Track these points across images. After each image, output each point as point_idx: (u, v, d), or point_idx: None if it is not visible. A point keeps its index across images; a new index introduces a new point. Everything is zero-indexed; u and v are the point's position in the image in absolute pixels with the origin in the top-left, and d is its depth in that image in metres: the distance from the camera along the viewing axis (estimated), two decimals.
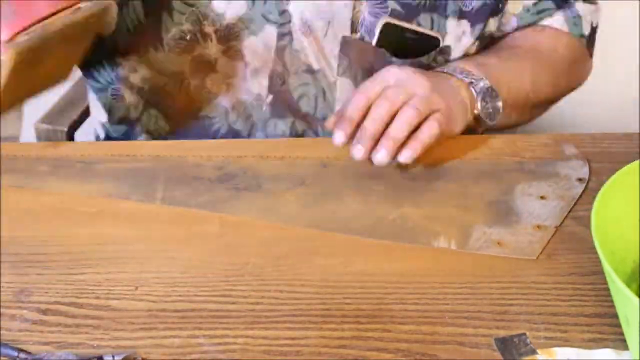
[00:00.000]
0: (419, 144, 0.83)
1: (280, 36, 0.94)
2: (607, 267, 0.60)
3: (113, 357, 0.64)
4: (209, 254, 0.76)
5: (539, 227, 0.79)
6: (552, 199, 0.83)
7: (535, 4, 1.01)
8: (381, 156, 0.82)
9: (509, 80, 0.95)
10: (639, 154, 0.89)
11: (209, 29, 0.93)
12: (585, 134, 0.92)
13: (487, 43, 1.02)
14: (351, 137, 0.83)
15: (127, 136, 1.02)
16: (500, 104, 0.93)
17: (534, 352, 0.66)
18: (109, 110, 1.02)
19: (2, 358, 0.65)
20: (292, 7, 0.93)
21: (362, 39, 0.94)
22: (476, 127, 0.93)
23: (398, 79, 0.86)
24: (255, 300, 0.71)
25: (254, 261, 0.75)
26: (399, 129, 0.82)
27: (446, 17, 0.95)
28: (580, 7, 1.03)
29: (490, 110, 0.92)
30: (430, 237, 0.78)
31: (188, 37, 0.93)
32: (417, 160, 0.86)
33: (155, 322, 0.69)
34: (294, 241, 0.78)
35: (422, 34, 0.95)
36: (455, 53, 0.97)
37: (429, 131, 0.84)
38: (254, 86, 0.97)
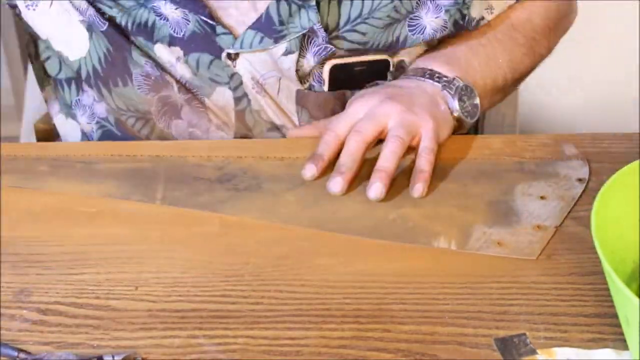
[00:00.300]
0: (425, 174, 0.83)
1: (237, 100, 0.92)
2: (607, 267, 0.60)
3: (113, 357, 0.64)
4: (209, 254, 0.76)
5: (539, 227, 0.79)
6: (552, 199, 0.83)
7: None
8: (376, 188, 0.80)
9: (482, 69, 0.93)
10: (639, 154, 0.89)
11: (169, 79, 0.92)
12: (585, 134, 0.92)
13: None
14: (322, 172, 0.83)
15: None
16: (477, 100, 0.91)
17: (534, 352, 0.66)
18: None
19: (2, 358, 0.65)
20: (239, 69, 0.91)
21: (310, 88, 0.93)
22: (459, 128, 0.91)
23: (367, 111, 0.85)
24: (255, 300, 0.71)
25: (254, 261, 0.75)
26: (388, 161, 0.82)
27: (398, 51, 0.94)
28: None
29: (469, 108, 0.90)
30: (430, 237, 0.78)
31: (152, 78, 0.92)
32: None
33: (155, 322, 0.69)
34: (294, 241, 0.78)
35: (369, 62, 0.93)
36: (407, 61, 0.96)
37: (427, 160, 0.84)
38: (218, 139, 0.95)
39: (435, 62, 0.92)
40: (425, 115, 0.86)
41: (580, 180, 0.85)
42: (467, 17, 0.94)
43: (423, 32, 0.92)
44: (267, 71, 0.91)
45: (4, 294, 0.71)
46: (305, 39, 0.89)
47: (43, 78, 1.00)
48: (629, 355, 0.65)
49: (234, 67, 0.91)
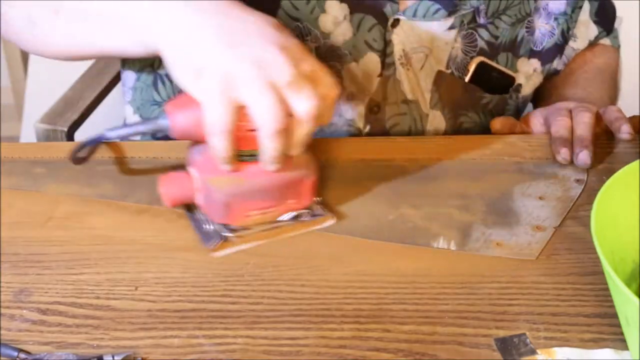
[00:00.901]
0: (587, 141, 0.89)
1: (386, 66, 0.95)
2: (607, 267, 0.60)
3: (113, 357, 0.64)
4: (209, 254, 0.76)
5: (538, 227, 0.79)
6: (550, 199, 0.83)
7: (596, 37, 1.10)
8: (584, 155, 0.86)
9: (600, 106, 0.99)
10: (639, 154, 0.89)
11: (310, 45, 0.93)
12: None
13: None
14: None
15: None
16: None
17: (533, 352, 0.66)
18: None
19: (2, 358, 0.65)
20: (394, 37, 0.94)
21: (452, 74, 0.98)
22: None
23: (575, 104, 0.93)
24: (255, 300, 0.71)
25: (254, 261, 0.75)
26: (585, 130, 0.89)
27: (519, 57, 1.01)
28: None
29: None
30: (429, 238, 0.78)
31: None
32: (416, 161, 0.87)
33: (155, 322, 0.69)
34: (294, 241, 0.78)
35: (504, 73, 1.01)
36: (526, 90, 1.04)
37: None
38: (347, 111, 0.97)
39: (569, 104, 0.97)
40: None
41: (578, 181, 0.85)
42: (570, 32, 1.05)
43: (533, 34, 1.01)
44: (418, 45, 0.95)
45: (4, 294, 0.71)
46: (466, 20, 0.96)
47: None
48: (629, 355, 0.65)
49: (392, 34, 0.94)
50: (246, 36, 0.70)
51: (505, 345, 0.66)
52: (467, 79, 0.99)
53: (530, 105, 1.11)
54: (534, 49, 1.03)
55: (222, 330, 0.68)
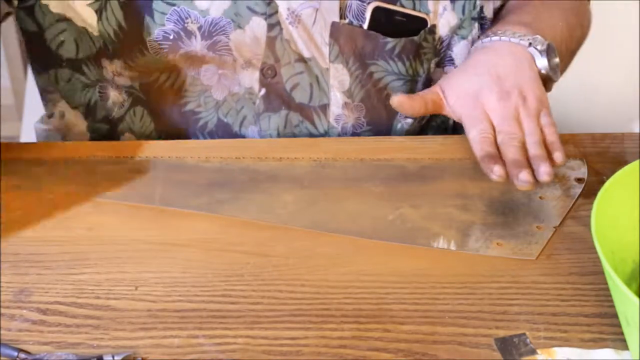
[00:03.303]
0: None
1: (270, 27, 0.93)
2: (607, 267, 0.60)
3: (113, 357, 0.64)
4: (209, 254, 0.76)
5: (538, 227, 0.79)
6: (551, 199, 0.83)
7: None
8: (524, 175, 0.80)
9: (550, 34, 0.94)
10: (639, 154, 0.89)
11: (192, 27, 0.92)
12: (585, 134, 0.92)
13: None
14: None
15: (109, 137, 1.01)
16: (557, 59, 0.92)
17: (534, 352, 0.66)
18: (89, 110, 1.00)
19: (2, 358, 0.65)
20: None
21: (350, 23, 0.95)
22: (545, 89, 0.92)
23: (500, 116, 0.86)
24: (255, 300, 0.71)
25: (254, 261, 0.75)
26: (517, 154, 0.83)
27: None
28: None
29: (554, 66, 0.92)
30: (429, 238, 0.78)
31: (171, 37, 0.93)
32: (416, 161, 0.87)
33: (155, 322, 0.69)
34: (294, 241, 0.78)
35: (410, 15, 0.96)
36: (442, 31, 0.98)
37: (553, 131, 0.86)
38: (245, 79, 0.97)
39: (510, 26, 0.93)
40: (535, 96, 0.87)
41: (579, 180, 0.85)
42: None
43: None
44: (305, 1, 0.93)
45: (4, 294, 0.71)
46: None
47: (51, 75, 1.00)
48: (629, 355, 0.65)
49: None
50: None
51: (505, 345, 0.66)
52: (365, 25, 0.95)
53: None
54: None
55: (222, 330, 0.68)
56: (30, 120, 1.16)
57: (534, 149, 0.82)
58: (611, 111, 1.61)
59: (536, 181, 0.80)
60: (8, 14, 0.93)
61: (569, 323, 0.68)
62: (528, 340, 0.67)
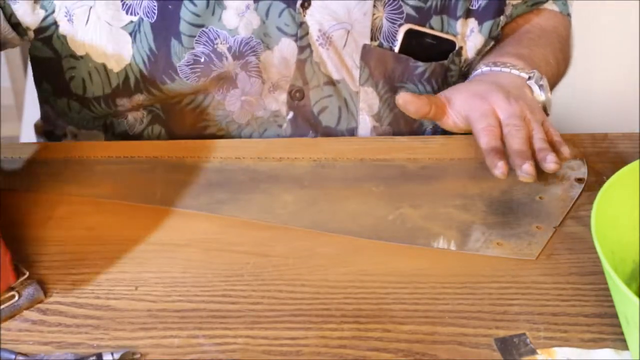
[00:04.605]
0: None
1: (300, 50, 0.92)
2: (607, 267, 0.60)
3: (112, 354, 0.64)
4: (209, 254, 0.76)
5: (538, 227, 0.79)
6: (550, 199, 0.83)
7: None
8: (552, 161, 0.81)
9: (544, 70, 0.95)
10: (639, 154, 0.89)
11: (222, 48, 0.91)
12: (585, 134, 0.92)
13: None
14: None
15: None
16: (550, 95, 0.93)
17: (534, 352, 0.66)
18: (107, 127, 0.99)
19: None
20: (308, 19, 0.92)
21: (380, 45, 0.95)
22: None
23: (507, 113, 0.86)
24: (255, 300, 0.71)
25: (254, 261, 0.75)
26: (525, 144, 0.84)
27: (457, 18, 0.96)
28: None
29: (548, 100, 0.92)
30: (429, 238, 0.78)
31: (202, 60, 0.91)
32: (416, 160, 0.87)
33: (155, 322, 0.69)
34: (294, 241, 0.78)
35: (439, 38, 0.96)
36: (468, 53, 0.99)
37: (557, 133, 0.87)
38: (271, 103, 0.96)
39: (509, 58, 0.95)
40: (539, 112, 0.89)
41: (579, 180, 0.85)
42: None
43: None
44: (336, 22, 0.92)
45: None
46: None
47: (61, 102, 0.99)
48: (629, 355, 0.65)
49: (304, 16, 0.91)
50: None
51: (505, 345, 0.66)
52: (396, 49, 0.95)
53: None
54: (471, 7, 0.97)
55: (222, 330, 0.68)
56: (30, 120, 1.16)
57: (540, 144, 0.83)
58: (611, 111, 1.62)
59: (538, 174, 0.80)
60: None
61: (569, 323, 0.68)
62: (528, 340, 0.67)
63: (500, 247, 0.77)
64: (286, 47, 0.92)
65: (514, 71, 0.92)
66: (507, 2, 0.99)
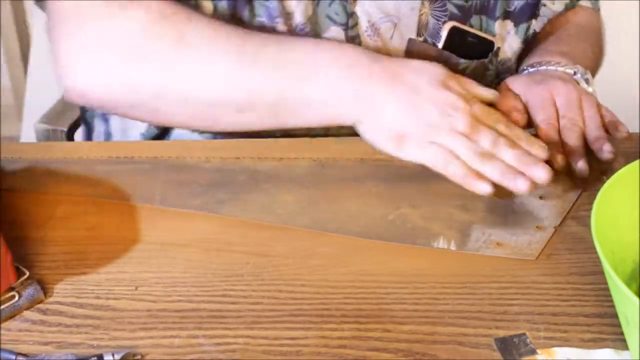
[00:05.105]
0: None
1: (350, 40, 0.93)
2: (607, 267, 0.60)
3: (113, 355, 0.64)
4: (209, 254, 0.76)
5: (538, 227, 0.79)
6: (551, 199, 0.83)
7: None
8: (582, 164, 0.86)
9: (584, 64, 0.98)
10: (639, 154, 0.89)
11: (282, 27, 0.91)
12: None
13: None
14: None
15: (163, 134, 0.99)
16: (594, 88, 0.96)
17: (534, 352, 0.66)
18: None
19: None
20: (358, 9, 0.93)
21: (425, 41, 0.96)
22: None
23: (565, 100, 0.90)
24: (255, 300, 0.71)
25: (254, 261, 0.75)
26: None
27: (495, 18, 0.98)
28: None
29: (594, 93, 0.95)
30: (429, 238, 0.78)
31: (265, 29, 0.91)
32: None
33: (155, 322, 0.69)
34: (294, 241, 0.78)
35: (481, 37, 0.98)
36: (505, 53, 1.01)
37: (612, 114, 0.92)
38: None
39: (552, 56, 0.98)
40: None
41: (579, 180, 0.85)
42: None
43: None
44: (384, 15, 0.94)
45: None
46: None
47: None
48: (629, 355, 0.65)
49: (355, 6, 0.93)
50: (420, 94, 0.82)
51: (505, 345, 0.66)
52: (440, 45, 0.96)
53: None
54: (508, 9, 1.00)
55: (222, 330, 0.68)
56: (30, 120, 1.16)
57: (596, 131, 0.88)
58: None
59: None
60: None
61: (569, 323, 0.68)
62: (528, 340, 0.67)
63: (500, 247, 0.77)
64: (334, 36, 0.93)
65: (559, 68, 0.95)
66: (541, 4, 1.03)
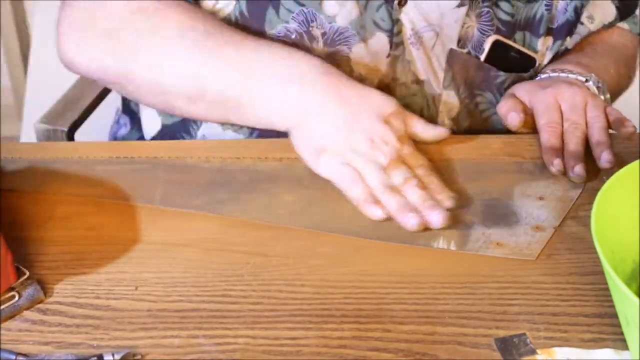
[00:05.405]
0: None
1: (394, 46, 0.95)
2: (607, 267, 0.60)
3: (113, 355, 0.64)
4: (209, 254, 0.76)
5: (538, 227, 0.79)
6: (550, 199, 0.83)
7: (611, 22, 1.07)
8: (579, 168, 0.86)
9: (602, 76, 0.98)
10: (639, 154, 0.89)
11: (316, 32, 0.92)
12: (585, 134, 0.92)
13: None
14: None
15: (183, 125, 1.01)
16: (608, 96, 0.97)
17: (534, 352, 0.66)
18: None
19: None
20: (403, 17, 0.94)
21: (468, 53, 0.97)
22: None
23: (570, 104, 0.91)
24: (255, 300, 0.71)
25: (254, 261, 0.75)
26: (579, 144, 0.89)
27: (539, 35, 0.99)
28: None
29: (607, 101, 0.96)
30: (429, 238, 0.78)
31: (293, 36, 0.92)
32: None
33: (155, 322, 0.69)
34: (294, 241, 0.78)
35: (523, 53, 0.99)
36: (548, 67, 1.01)
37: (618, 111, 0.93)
38: None
39: (567, 65, 0.99)
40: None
41: (579, 180, 0.85)
42: (583, 8, 1.02)
43: (551, 11, 0.99)
44: (428, 24, 0.95)
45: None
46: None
47: None
48: (629, 355, 0.65)
49: (401, 13, 0.93)
50: (357, 119, 0.85)
51: (505, 345, 0.66)
52: (482, 57, 0.98)
53: None
54: (551, 26, 1.00)
55: (222, 330, 0.68)
56: (30, 120, 1.16)
57: (599, 135, 0.88)
58: None
59: (542, 172, 0.85)
60: None
61: (569, 323, 0.68)
62: (528, 340, 0.67)
63: (500, 247, 0.77)
64: (378, 42, 0.94)
65: (571, 75, 0.96)
66: (580, 22, 1.03)
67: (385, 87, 0.96)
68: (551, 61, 1.03)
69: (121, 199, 0.83)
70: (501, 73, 0.99)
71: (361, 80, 0.94)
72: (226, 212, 0.81)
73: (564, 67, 0.98)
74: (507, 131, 0.94)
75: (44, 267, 0.74)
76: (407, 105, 0.97)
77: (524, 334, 0.67)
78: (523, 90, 0.94)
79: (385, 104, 0.86)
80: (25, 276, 0.71)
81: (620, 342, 0.66)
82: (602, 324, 0.68)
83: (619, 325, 0.65)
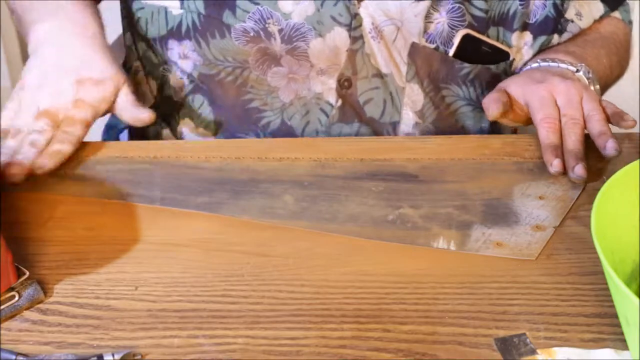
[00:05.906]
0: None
1: (353, 40, 0.95)
2: (607, 267, 0.60)
3: (113, 355, 0.64)
4: (209, 254, 0.76)
5: (537, 227, 0.79)
6: (550, 199, 0.83)
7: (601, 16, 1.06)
8: (579, 169, 0.85)
9: (594, 66, 0.97)
10: (639, 154, 0.89)
11: (272, 28, 0.94)
12: (585, 133, 0.92)
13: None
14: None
15: (170, 117, 1.03)
16: (598, 87, 0.96)
17: (534, 352, 0.66)
18: (160, 85, 1.03)
19: None
20: (362, 11, 0.94)
21: (436, 48, 0.97)
22: None
23: (566, 98, 0.90)
24: (255, 300, 0.71)
25: (254, 261, 0.75)
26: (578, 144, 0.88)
27: (513, 30, 0.99)
28: None
29: (597, 92, 0.95)
30: (429, 238, 0.78)
31: (251, 34, 0.94)
32: (416, 160, 0.87)
33: (155, 322, 0.69)
34: (294, 241, 0.78)
35: (495, 47, 0.99)
36: (517, 64, 1.01)
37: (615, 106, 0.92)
38: (316, 85, 0.98)
39: (557, 54, 0.98)
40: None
41: (579, 180, 0.85)
42: (564, 5, 1.01)
43: (528, 6, 0.98)
44: (388, 19, 0.95)
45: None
46: None
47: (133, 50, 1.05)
48: (629, 355, 0.65)
49: (359, 7, 0.94)
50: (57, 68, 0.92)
51: (505, 345, 0.66)
52: (451, 52, 0.97)
53: None
54: (528, 22, 1.00)
55: (222, 330, 0.68)
56: None
57: (600, 126, 0.87)
58: None
59: (541, 172, 0.85)
60: None
61: (569, 323, 0.68)
62: (528, 340, 0.67)
63: (500, 247, 0.77)
64: (338, 36, 0.94)
65: (562, 65, 0.95)
66: (564, 20, 1.02)
67: (346, 80, 0.97)
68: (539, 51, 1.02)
69: (121, 199, 0.83)
70: (466, 65, 0.98)
71: (322, 72, 0.96)
72: (226, 212, 0.81)
73: (554, 57, 0.97)
74: (479, 128, 0.94)
75: (44, 267, 0.74)
76: (369, 99, 0.97)
77: (524, 334, 0.67)
78: (515, 85, 0.93)
79: (97, 70, 0.90)
80: (25, 276, 0.71)
81: (620, 342, 0.66)
82: (602, 324, 0.68)
83: (619, 325, 0.65)
